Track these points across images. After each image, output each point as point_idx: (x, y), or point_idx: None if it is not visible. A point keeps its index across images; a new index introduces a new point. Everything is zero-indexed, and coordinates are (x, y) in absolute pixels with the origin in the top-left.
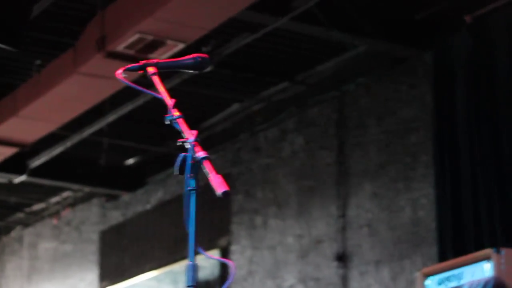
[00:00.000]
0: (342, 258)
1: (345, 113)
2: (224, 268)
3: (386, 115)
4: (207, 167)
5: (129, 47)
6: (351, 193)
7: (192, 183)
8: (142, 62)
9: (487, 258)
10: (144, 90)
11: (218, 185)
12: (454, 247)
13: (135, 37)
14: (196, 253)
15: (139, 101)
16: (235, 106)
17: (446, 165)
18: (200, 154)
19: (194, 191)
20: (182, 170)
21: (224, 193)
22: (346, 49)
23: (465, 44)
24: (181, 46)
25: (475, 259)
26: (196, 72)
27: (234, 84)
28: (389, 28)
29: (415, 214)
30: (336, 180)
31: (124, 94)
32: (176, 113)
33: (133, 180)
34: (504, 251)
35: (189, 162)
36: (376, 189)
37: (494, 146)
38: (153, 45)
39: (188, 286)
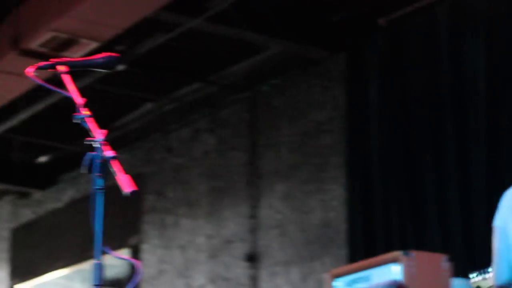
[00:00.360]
0: (252, 259)
1: (258, 114)
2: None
3: (299, 117)
4: (115, 167)
5: (43, 45)
6: (262, 194)
7: (99, 182)
8: (53, 61)
9: (396, 260)
10: (54, 88)
11: (126, 184)
12: (364, 249)
13: (49, 35)
14: (104, 252)
15: (53, 99)
16: (148, 106)
17: (358, 167)
18: (108, 153)
19: (101, 190)
20: (90, 169)
21: (132, 192)
22: (260, 50)
23: (379, 47)
24: (95, 44)
25: (384, 261)
26: (107, 71)
27: (147, 83)
28: (303, 29)
29: (326, 216)
30: (248, 181)
31: (37, 92)
32: (86, 112)
33: (45, 178)
34: (413, 253)
35: (97, 161)
36: (287, 190)
37: (406, 149)
38: (67, 44)
39: (95, 285)
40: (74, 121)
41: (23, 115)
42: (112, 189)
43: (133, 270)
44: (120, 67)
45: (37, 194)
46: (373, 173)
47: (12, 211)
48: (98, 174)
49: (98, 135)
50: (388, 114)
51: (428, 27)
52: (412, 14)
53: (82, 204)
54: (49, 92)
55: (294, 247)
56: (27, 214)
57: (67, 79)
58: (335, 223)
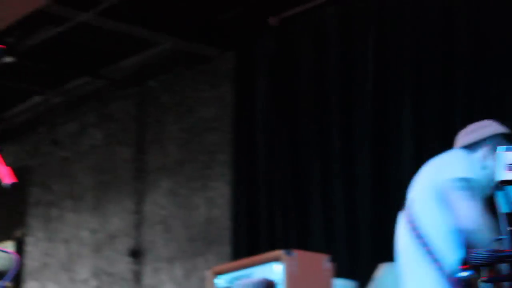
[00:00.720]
0: (136, 254)
1: (146, 109)
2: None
3: (186, 113)
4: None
5: None
6: (148, 189)
7: None
8: None
9: (278, 259)
10: None
11: (5, 176)
12: (247, 247)
13: None
14: None
15: None
16: (36, 98)
17: (243, 166)
18: None
19: None
20: None
21: (12, 184)
22: (150, 46)
23: (268, 46)
24: None
25: (266, 260)
26: None
27: (36, 76)
28: (194, 27)
29: (210, 213)
30: (133, 176)
31: None
32: None
33: None
34: (295, 253)
35: None
36: (172, 187)
37: (292, 149)
38: None
39: None
40: None
41: None
42: None
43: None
44: (9, 59)
45: None
46: (258, 172)
47: None
48: None
49: None
50: (275, 113)
51: (318, 27)
52: (303, 14)
53: None
54: None
55: (178, 243)
56: None
57: None
58: (219, 221)
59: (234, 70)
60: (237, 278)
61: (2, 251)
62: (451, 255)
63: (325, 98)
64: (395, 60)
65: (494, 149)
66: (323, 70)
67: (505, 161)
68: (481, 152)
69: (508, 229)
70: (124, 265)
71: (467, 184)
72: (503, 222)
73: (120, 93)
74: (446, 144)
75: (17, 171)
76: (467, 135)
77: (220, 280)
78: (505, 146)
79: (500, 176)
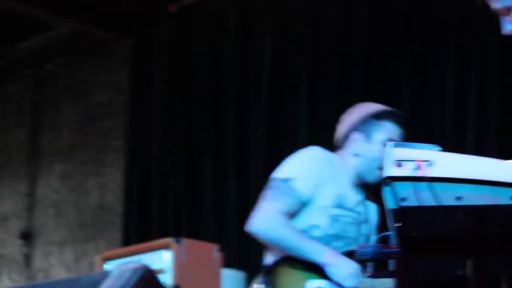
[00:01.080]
0: (26, 237)
1: (42, 92)
2: None
3: (82, 98)
4: None
5: None
6: (41, 172)
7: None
8: None
9: (167, 247)
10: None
11: None
12: (139, 235)
13: None
14: None
15: None
16: None
17: (137, 152)
18: None
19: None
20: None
21: None
22: (49, 29)
23: (167, 33)
24: None
25: (155, 247)
26: None
27: None
28: (93, 11)
29: (103, 199)
30: (27, 159)
31: None
32: None
33: None
34: (184, 241)
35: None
36: (66, 171)
37: (187, 138)
38: None
39: None
40: None
41: None
42: None
43: None
44: None
45: None
46: (152, 159)
47: None
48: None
49: None
50: (171, 101)
51: (217, 17)
52: (203, 3)
53: None
54: None
55: (69, 227)
56: None
57: None
58: (111, 207)
59: (131, 56)
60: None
61: None
62: None
63: (222, 88)
64: (293, 52)
65: (367, 134)
66: (220, 60)
67: (393, 157)
68: (350, 143)
69: (394, 225)
70: (14, 247)
71: (281, 184)
72: (390, 218)
73: (17, 75)
74: None
75: None
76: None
77: (109, 266)
78: (393, 143)
79: (388, 172)
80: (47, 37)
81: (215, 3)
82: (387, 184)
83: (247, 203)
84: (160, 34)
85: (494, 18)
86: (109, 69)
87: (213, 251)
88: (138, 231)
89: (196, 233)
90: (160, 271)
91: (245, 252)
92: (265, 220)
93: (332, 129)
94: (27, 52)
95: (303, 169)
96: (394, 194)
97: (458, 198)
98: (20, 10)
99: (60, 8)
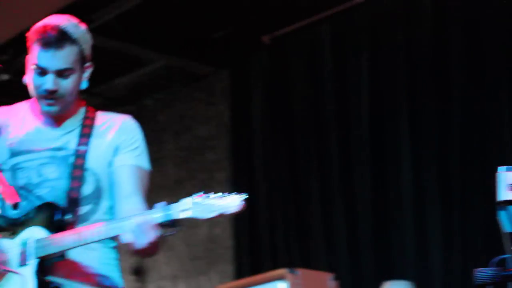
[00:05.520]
0: (139, 272)
1: (142, 128)
2: None
3: (183, 132)
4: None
5: None
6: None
7: None
8: None
9: (282, 278)
10: None
11: (9, 196)
12: (250, 266)
13: None
14: None
15: None
16: None
17: (242, 183)
18: None
19: None
20: None
21: (15, 204)
22: (144, 64)
23: (262, 64)
24: None
25: (270, 279)
26: None
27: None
28: (188, 44)
29: (212, 231)
30: None
31: None
32: None
33: None
34: (299, 271)
35: None
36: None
37: (291, 166)
38: None
39: None
40: None
41: None
42: None
43: None
44: (4, 77)
45: None
46: (258, 189)
47: None
48: None
49: None
50: (272, 131)
51: (311, 45)
52: (296, 32)
53: None
54: None
55: (180, 261)
56: None
57: None
58: (221, 239)
59: (229, 88)
60: None
61: None
62: None
63: (321, 114)
64: (389, 76)
65: None
66: (318, 87)
67: (506, 181)
68: None
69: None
70: (127, 283)
71: None
72: (507, 241)
73: (116, 111)
74: (443, 163)
75: None
76: None
77: None
78: (505, 167)
79: (502, 196)
80: (142, 72)
81: (308, 32)
82: (503, 208)
83: (356, 230)
84: (255, 65)
85: None
86: (208, 102)
87: (328, 280)
88: (250, 263)
89: (306, 263)
90: None
91: (357, 279)
92: None
93: (433, 153)
94: (125, 89)
95: None
96: (510, 217)
97: None
98: (114, 47)
99: (155, 43)
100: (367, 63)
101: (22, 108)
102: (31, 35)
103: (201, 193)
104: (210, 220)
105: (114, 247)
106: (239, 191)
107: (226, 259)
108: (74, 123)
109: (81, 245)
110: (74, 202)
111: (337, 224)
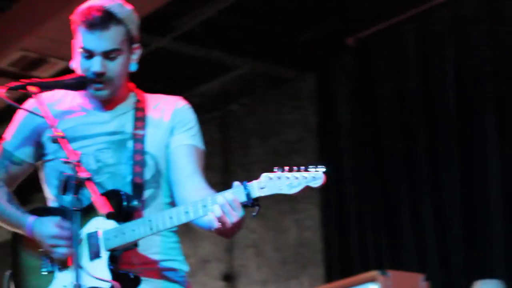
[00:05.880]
0: (228, 278)
1: (229, 133)
2: None
3: (270, 136)
4: (90, 188)
5: (12, 64)
6: None
7: (76, 203)
8: (24, 81)
9: (373, 280)
10: (26, 109)
11: (101, 206)
12: (340, 268)
13: (18, 54)
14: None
15: None
16: None
17: (331, 186)
18: (83, 174)
19: (77, 211)
20: (64, 190)
21: (108, 214)
22: (229, 70)
23: (347, 66)
24: (64, 64)
25: (361, 281)
26: (79, 91)
27: None
28: (272, 49)
29: (301, 235)
30: None
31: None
32: (58, 133)
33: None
34: (390, 273)
35: (71, 182)
36: (261, 210)
37: (378, 167)
38: (36, 63)
39: None
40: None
41: None
42: None
43: None
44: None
45: None
46: (347, 192)
47: None
48: (72, 195)
49: (72, 156)
50: (359, 133)
51: (396, 45)
52: (380, 33)
53: None
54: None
55: (270, 266)
56: (2, 234)
57: (39, 100)
58: (310, 243)
59: (315, 91)
60: None
61: None
62: None
63: (408, 114)
64: (475, 75)
65: None
66: (403, 88)
67: None
68: None
69: None
70: None
71: None
72: None
73: (202, 118)
74: None
75: None
76: None
77: None
78: None
79: None
80: (228, 78)
81: (391, 33)
82: None
83: (445, 228)
84: (341, 67)
85: None
86: (294, 106)
87: (419, 281)
88: (340, 265)
89: (396, 263)
90: None
91: (448, 279)
92: None
93: None
94: (211, 95)
95: None
96: None
97: None
98: (199, 54)
99: (239, 48)
100: (452, 62)
101: (69, 95)
102: (76, 18)
103: (276, 169)
104: (296, 195)
105: (175, 231)
106: (327, 193)
107: (316, 263)
108: (126, 106)
109: (153, 234)
110: (139, 187)
111: (426, 225)
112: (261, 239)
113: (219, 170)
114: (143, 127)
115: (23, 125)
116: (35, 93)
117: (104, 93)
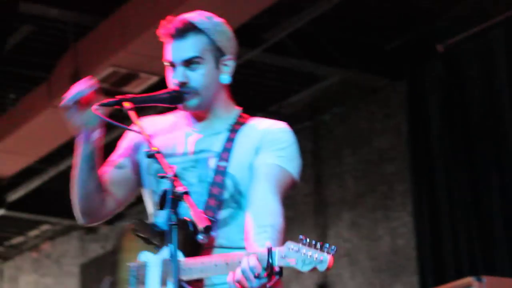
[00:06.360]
0: None
1: (321, 143)
2: None
3: (361, 145)
4: (188, 202)
5: (104, 80)
6: (330, 222)
7: (173, 218)
8: (118, 97)
9: (468, 286)
10: (121, 125)
11: (200, 220)
12: (434, 275)
13: (109, 70)
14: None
15: (115, 134)
16: None
17: (423, 194)
18: (180, 189)
19: (175, 226)
20: (162, 205)
21: (206, 227)
22: (319, 80)
23: (438, 73)
24: (155, 79)
25: (457, 287)
26: (172, 106)
27: None
28: (361, 58)
29: (395, 243)
30: (314, 210)
31: None
32: (154, 148)
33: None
34: (485, 279)
35: (169, 196)
36: (354, 219)
37: (471, 174)
38: (127, 78)
39: None
40: (145, 156)
41: None
42: None
43: None
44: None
45: (104, 229)
46: (439, 199)
47: (80, 246)
48: (170, 209)
49: (169, 170)
50: (450, 140)
51: (485, 50)
52: (469, 39)
53: None
54: (111, 126)
55: (364, 275)
56: (95, 249)
57: (133, 116)
58: (404, 251)
59: (405, 99)
60: None
61: None
62: None
63: (499, 122)
64: None
65: None
66: (494, 93)
67: None
68: None
69: None
70: None
71: None
72: None
73: (293, 128)
74: None
75: None
76: None
77: None
78: None
79: None
80: (318, 88)
81: (480, 38)
82: None
83: None
84: (431, 74)
85: None
86: (385, 114)
87: None
88: (434, 273)
89: (490, 269)
90: None
91: None
92: None
93: None
94: (301, 105)
95: None
96: None
97: None
98: (288, 65)
99: (328, 58)
100: None
101: (173, 116)
102: (160, 31)
103: (301, 236)
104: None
105: None
106: (420, 201)
107: (410, 270)
108: (220, 125)
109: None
110: (211, 209)
111: None
112: (354, 248)
113: (312, 181)
114: (230, 148)
115: (124, 142)
116: (129, 109)
117: (191, 103)
